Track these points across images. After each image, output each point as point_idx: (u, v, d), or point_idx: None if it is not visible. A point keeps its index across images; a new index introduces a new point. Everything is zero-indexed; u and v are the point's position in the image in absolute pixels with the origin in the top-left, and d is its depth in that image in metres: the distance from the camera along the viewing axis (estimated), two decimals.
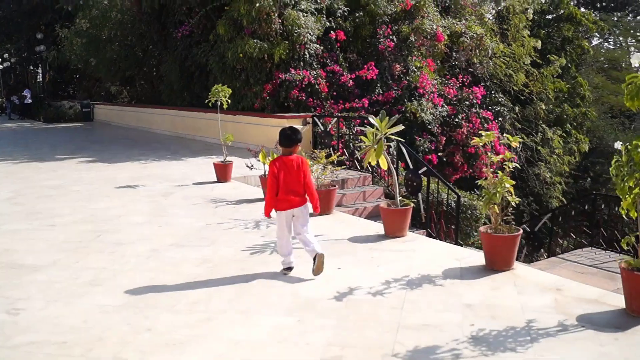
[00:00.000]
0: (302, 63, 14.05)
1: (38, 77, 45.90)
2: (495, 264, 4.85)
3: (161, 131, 19.51)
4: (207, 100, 10.23)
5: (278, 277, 4.95)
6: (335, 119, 12.74)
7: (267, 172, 8.12)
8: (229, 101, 9.98)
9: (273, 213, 4.99)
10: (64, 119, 29.10)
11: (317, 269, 4.72)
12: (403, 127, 6.06)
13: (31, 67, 39.41)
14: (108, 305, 4.39)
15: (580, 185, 20.80)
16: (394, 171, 6.32)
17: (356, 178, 11.40)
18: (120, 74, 23.52)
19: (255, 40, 13.53)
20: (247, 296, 4.53)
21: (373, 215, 9.82)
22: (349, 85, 13.99)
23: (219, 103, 9.93)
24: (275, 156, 5.60)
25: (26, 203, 8.38)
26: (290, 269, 4.97)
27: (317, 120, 13.12)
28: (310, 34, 13.70)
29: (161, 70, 20.23)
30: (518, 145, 4.76)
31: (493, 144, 14.31)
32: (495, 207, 4.71)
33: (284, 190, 4.73)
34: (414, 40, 14.77)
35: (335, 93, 14.04)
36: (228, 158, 9.97)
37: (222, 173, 9.77)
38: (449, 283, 4.65)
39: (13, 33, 38.67)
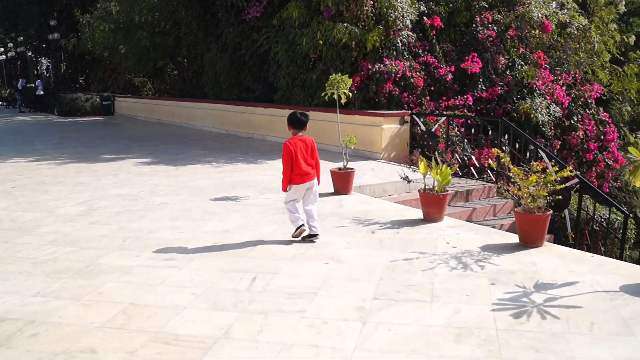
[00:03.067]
0: (394, 52, 11.98)
1: (42, 67, 43.63)
2: None
3: (206, 128, 17.40)
4: (323, 94, 8.18)
5: None
6: (444, 118, 10.70)
7: (426, 186, 6.19)
8: (350, 94, 7.89)
9: None
10: (80, 112, 26.97)
11: (304, 239, 5.42)
12: None
13: (42, 57, 37.10)
14: None
15: None
16: None
17: (480, 188, 9.43)
18: (151, 63, 21.38)
19: (345, 25, 11.44)
20: None
21: None
22: (447, 79, 11.94)
23: (336, 97, 7.83)
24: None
25: (110, 223, 6.28)
26: (302, 226, 5.40)
27: (416, 118, 11.08)
28: (407, 18, 11.65)
29: (204, 59, 18.13)
30: None
31: (611, 149, 12.34)
32: None
33: (301, 166, 5.28)
34: (518, 29, 12.75)
35: (432, 88, 11.98)
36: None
37: (343, 183, 7.72)
38: None
39: (19, 21, 36.38)
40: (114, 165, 10.50)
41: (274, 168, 9.93)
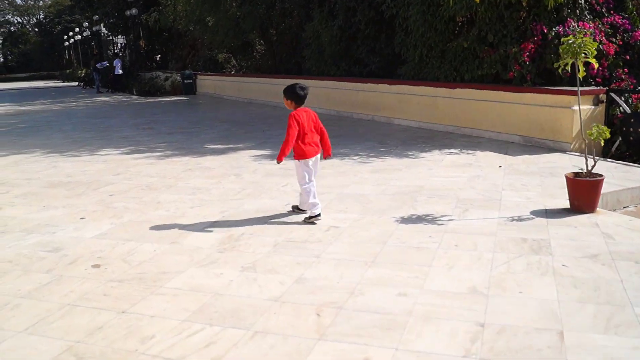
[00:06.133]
0: (577, 11, 9.23)
1: (118, 45, 42.50)
2: None
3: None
4: (555, 65, 5.68)
5: None
6: None
7: None
8: (597, 64, 5.31)
9: None
10: (160, 92, 25.27)
11: (305, 221, 5.05)
12: None
13: (118, 35, 35.76)
14: None
15: None
16: None
17: None
18: (240, 36, 19.20)
19: None
20: None
21: None
22: None
23: (569, 69, 5.29)
24: None
25: (275, 269, 4.01)
26: (319, 215, 5.02)
27: (616, 97, 8.36)
28: None
29: (305, 30, 15.77)
30: None
31: None
32: None
33: (308, 139, 5.02)
34: None
35: (628, 57, 9.16)
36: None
37: (589, 196, 5.18)
38: None
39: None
40: (229, 161, 8.32)
41: (442, 165, 7.47)
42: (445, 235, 4.61)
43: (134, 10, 28.77)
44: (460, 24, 10.16)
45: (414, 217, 5.16)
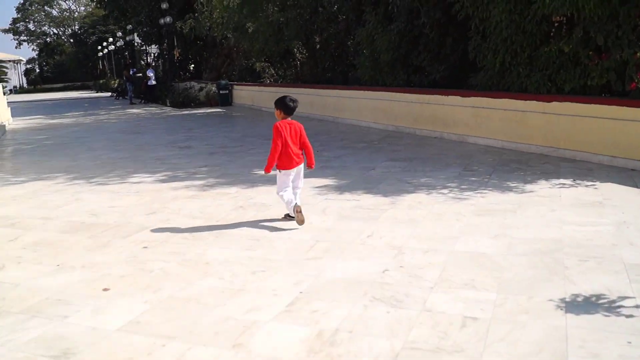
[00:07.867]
0: None
1: (151, 56, 41.60)
2: None
3: (362, 122, 13.57)
4: None
5: None
6: None
7: None
8: None
9: None
10: (195, 103, 24.07)
11: (300, 220, 5.17)
12: None
13: (151, 45, 34.77)
14: None
15: None
16: None
17: None
18: (283, 44, 17.76)
19: None
20: None
21: None
22: None
23: None
24: None
25: None
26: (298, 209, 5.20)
27: None
28: None
29: (356, 35, 14.25)
30: None
31: None
32: None
33: (290, 151, 5.16)
34: None
35: None
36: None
37: None
38: None
39: (128, 8, 34.16)
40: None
41: (563, 203, 5.81)
42: None
43: (168, 19, 27.59)
44: (556, 24, 8.49)
45: (579, 299, 3.53)
